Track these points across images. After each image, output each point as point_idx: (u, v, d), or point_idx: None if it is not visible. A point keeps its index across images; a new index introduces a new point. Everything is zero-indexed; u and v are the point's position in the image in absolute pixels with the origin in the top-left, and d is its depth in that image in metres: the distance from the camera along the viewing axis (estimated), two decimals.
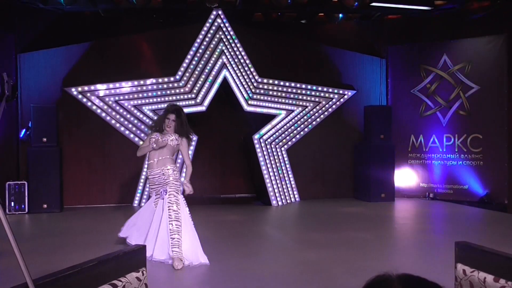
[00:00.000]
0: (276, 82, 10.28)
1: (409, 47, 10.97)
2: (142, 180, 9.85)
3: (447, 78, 10.42)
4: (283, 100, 10.34)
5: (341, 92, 10.68)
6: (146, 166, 9.79)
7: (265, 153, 10.09)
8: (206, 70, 9.85)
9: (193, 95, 9.80)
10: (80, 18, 10.22)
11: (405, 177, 10.87)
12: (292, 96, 10.39)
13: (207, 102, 9.83)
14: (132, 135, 9.81)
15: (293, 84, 10.38)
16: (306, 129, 10.57)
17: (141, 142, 9.84)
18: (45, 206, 9.09)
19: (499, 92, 9.74)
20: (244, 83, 10.03)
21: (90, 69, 9.85)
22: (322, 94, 10.57)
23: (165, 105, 9.66)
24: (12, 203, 9.04)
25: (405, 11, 10.29)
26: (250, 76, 10.09)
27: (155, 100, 9.77)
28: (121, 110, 9.70)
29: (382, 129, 10.34)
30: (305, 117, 10.50)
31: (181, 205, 5.69)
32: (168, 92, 9.77)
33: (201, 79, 9.83)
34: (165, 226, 5.60)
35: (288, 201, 10.32)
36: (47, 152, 9.12)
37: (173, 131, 5.93)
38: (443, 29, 10.52)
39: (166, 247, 5.56)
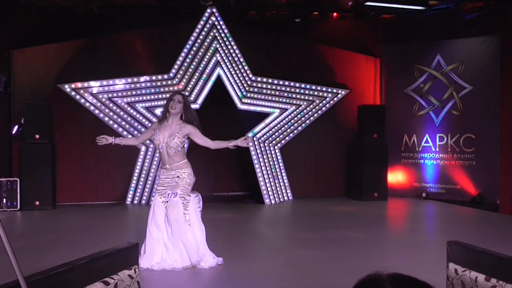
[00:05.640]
0: (270, 80, 10.28)
1: (403, 46, 10.99)
2: (135, 178, 9.83)
3: (440, 78, 10.45)
4: (277, 99, 10.34)
5: (334, 91, 10.69)
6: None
7: (258, 151, 10.08)
8: (200, 68, 9.84)
9: (186, 93, 9.79)
10: (74, 15, 10.18)
11: (398, 176, 10.89)
12: (286, 94, 10.39)
13: (200, 100, 9.82)
14: (125, 133, 9.77)
15: (287, 83, 10.39)
16: (299, 128, 10.58)
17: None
18: (37, 203, 9.05)
19: (492, 92, 9.78)
20: (238, 81, 10.03)
21: (84, 66, 9.81)
22: (316, 93, 10.58)
23: (159, 102, 9.73)
24: (4, 200, 9.00)
25: (399, 10, 10.31)
26: (244, 74, 10.08)
27: (148, 97, 9.75)
28: (114, 107, 9.67)
29: (375, 128, 10.36)
30: (298, 115, 10.50)
31: (190, 207, 5.49)
32: (162, 89, 9.75)
33: (195, 77, 9.82)
34: (179, 230, 5.37)
35: (281, 200, 10.32)
36: (39, 149, 9.08)
37: (179, 112, 5.51)
38: (437, 29, 10.54)
39: (188, 251, 5.36)
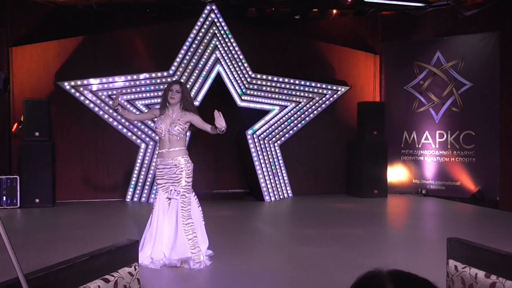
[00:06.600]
0: (269, 77, 10.27)
1: (402, 43, 10.99)
2: (135, 175, 9.83)
3: (440, 74, 10.45)
4: (277, 96, 10.33)
5: (334, 88, 10.69)
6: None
7: (258, 148, 10.08)
8: (200, 65, 9.83)
9: None
10: (73, 12, 10.17)
11: (398, 173, 10.90)
12: (285, 91, 10.38)
13: (200, 97, 9.81)
14: (125, 130, 9.78)
15: (286, 80, 10.38)
16: (299, 125, 10.57)
17: (134, 137, 9.85)
18: (37, 200, 9.04)
19: (492, 89, 9.78)
20: (237, 78, 10.02)
21: (83, 63, 9.80)
22: (315, 90, 10.58)
23: (159, 100, 9.69)
24: (4, 197, 9.00)
25: (399, 7, 10.31)
26: (244, 71, 10.07)
27: (148, 95, 9.74)
28: None
29: (375, 125, 10.35)
30: (298, 112, 10.50)
31: (192, 204, 5.52)
32: (162, 87, 9.72)
33: (195, 74, 9.81)
34: (180, 227, 5.38)
35: (281, 197, 10.33)
36: (39, 147, 9.08)
37: (178, 102, 5.57)
38: (436, 25, 10.54)
39: (181, 248, 5.35)
